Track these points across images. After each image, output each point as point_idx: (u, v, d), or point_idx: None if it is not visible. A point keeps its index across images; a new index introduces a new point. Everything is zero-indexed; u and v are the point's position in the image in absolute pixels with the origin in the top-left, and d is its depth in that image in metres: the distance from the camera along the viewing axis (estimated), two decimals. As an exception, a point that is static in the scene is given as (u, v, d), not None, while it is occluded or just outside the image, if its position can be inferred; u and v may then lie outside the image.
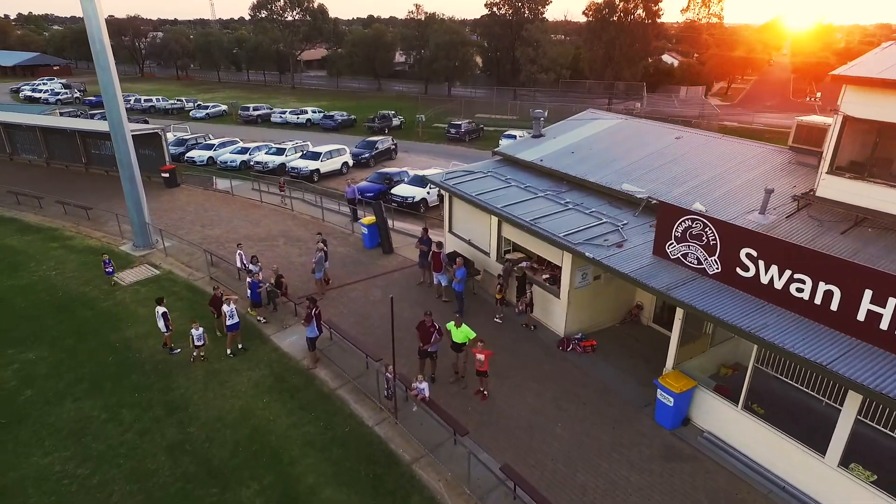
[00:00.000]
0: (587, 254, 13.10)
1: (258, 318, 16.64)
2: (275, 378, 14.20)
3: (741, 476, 11.00)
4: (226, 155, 37.01)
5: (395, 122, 53.38)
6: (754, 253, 10.59)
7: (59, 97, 68.75)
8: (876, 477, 9.48)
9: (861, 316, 9.27)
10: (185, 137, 40.53)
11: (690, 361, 12.58)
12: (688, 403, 12.07)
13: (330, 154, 34.89)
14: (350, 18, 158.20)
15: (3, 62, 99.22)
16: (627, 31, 64.76)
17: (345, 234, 23.31)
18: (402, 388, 12.91)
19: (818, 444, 10.07)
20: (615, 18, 65.00)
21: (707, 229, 11.36)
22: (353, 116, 55.70)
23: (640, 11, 64.74)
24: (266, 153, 36.14)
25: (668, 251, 12.33)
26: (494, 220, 17.20)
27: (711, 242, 11.33)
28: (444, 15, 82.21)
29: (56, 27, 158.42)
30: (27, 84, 78.97)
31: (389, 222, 22.21)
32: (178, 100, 65.81)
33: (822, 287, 9.61)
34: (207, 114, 59.94)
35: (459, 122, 49.38)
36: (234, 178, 30.46)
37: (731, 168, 15.58)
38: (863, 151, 12.23)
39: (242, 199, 28.19)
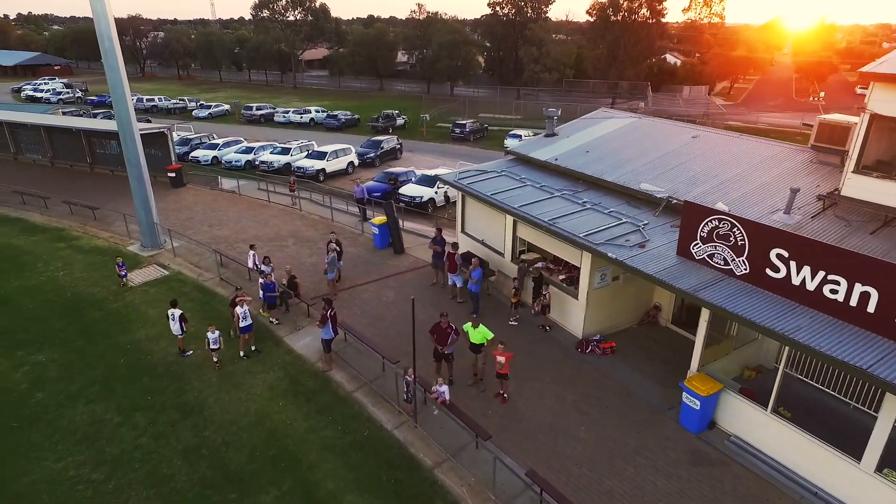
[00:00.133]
0: (610, 254, 12.88)
1: (270, 319, 16.41)
2: (290, 381, 13.97)
3: (770, 481, 10.78)
4: (230, 155, 36.77)
5: (399, 121, 53.16)
6: (785, 253, 10.37)
7: (61, 97, 68.56)
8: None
9: (900, 318, 9.05)
10: (189, 137, 40.30)
11: (714, 364, 12.35)
12: (714, 407, 11.85)
13: (336, 154, 34.65)
14: (350, 18, 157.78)
15: (3, 62, 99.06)
16: (631, 30, 64.64)
17: (355, 235, 23.08)
18: (422, 391, 12.68)
19: (852, 448, 9.84)
20: (619, 18, 64.85)
21: (735, 229, 11.14)
22: (356, 116, 55.49)
23: (644, 11, 64.54)
24: (271, 153, 35.90)
25: (693, 252, 12.11)
26: (510, 219, 16.98)
27: (740, 243, 11.11)
28: (446, 14, 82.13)
29: (56, 27, 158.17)
30: (28, 84, 78.72)
31: (399, 222, 21.98)
32: (180, 99, 65.65)
33: (859, 288, 9.38)
34: (210, 113, 59.72)
35: (464, 122, 49.17)
36: (240, 178, 30.21)
37: (751, 167, 15.35)
38: (890, 150, 12.01)
39: (249, 199, 27.95)
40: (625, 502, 10.38)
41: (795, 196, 12.62)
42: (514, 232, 17.14)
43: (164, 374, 14.22)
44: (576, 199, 16.19)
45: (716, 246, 11.61)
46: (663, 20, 68.76)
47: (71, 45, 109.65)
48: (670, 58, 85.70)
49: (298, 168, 33.12)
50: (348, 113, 55.70)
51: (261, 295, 16.45)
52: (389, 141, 39.71)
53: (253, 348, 14.99)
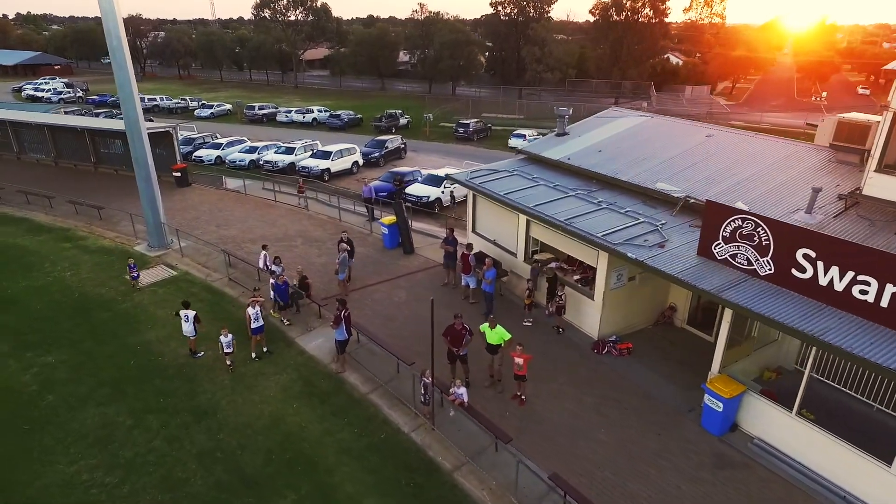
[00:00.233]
0: (629, 254, 12.71)
1: (282, 319, 16.23)
2: (303, 382, 13.78)
3: (797, 485, 10.61)
4: (234, 154, 36.59)
5: (402, 121, 52.99)
6: (813, 254, 10.21)
7: (62, 96, 68.33)
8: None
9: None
10: (192, 136, 40.09)
11: (735, 365, 12.19)
12: (737, 409, 11.68)
13: (340, 153, 34.48)
14: (350, 18, 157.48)
15: (3, 61, 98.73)
16: (634, 29, 64.54)
17: (363, 235, 22.89)
18: (439, 393, 12.50)
19: (882, 452, 9.68)
20: (622, 17, 64.74)
21: (759, 229, 10.98)
22: (359, 115, 55.32)
23: (647, 10, 64.44)
24: (275, 152, 35.71)
25: (714, 252, 11.95)
26: (522, 219, 16.81)
27: (764, 243, 10.94)
28: (448, 14, 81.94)
29: (55, 27, 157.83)
30: (29, 83, 78.45)
31: (409, 222, 21.79)
32: (181, 99, 65.40)
33: (890, 289, 9.22)
34: (212, 113, 59.51)
35: (468, 122, 49.00)
36: (245, 178, 29.99)
37: (768, 167, 15.19)
38: (914, 149, 11.88)
39: (256, 199, 27.75)
40: (649, 506, 10.22)
41: (817, 196, 12.45)
42: (528, 232, 16.97)
43: (175, 375, 14.03)
44: (590, 198, 16.02)
45: (739, 246, 11.44)
46: (666, 20, 68.65)
47: (71, 44, 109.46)
48: (672, 58, 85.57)
49: (303, 168, 32.96)
50: (351, 112, 55.53)
51: (272, 295, 16.27)
52: (394, 141, 39.55)
53: (265, 349, 14.80)
